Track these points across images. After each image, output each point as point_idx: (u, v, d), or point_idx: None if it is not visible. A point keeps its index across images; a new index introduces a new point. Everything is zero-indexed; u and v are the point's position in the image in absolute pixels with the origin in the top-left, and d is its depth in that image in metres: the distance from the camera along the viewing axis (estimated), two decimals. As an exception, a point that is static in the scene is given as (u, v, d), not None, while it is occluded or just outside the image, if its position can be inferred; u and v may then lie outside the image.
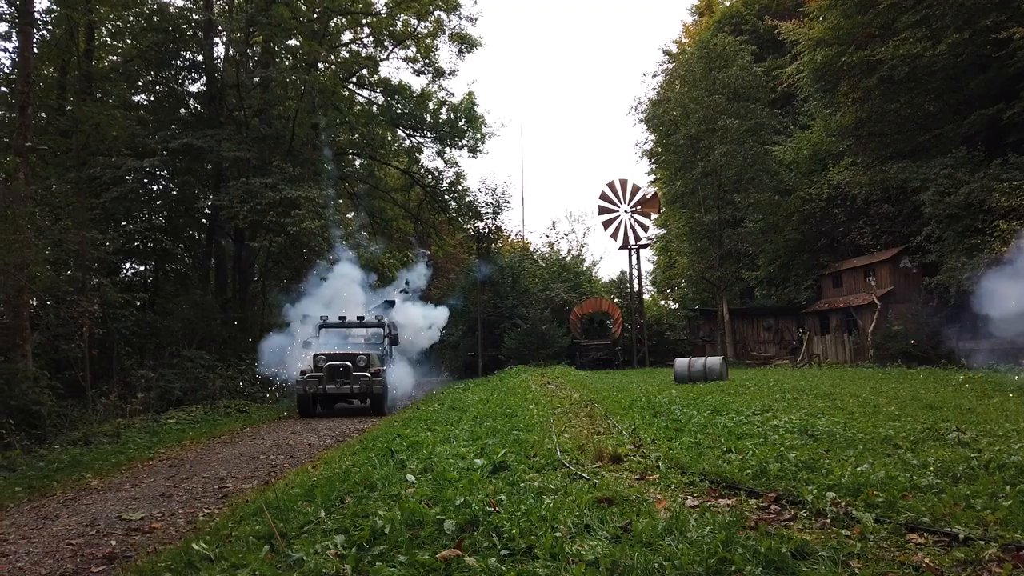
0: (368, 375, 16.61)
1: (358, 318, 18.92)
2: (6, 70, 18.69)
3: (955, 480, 5.44)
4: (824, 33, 29.43)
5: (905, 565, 3.67)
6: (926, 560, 3.74)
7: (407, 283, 25.91)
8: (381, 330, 19.14)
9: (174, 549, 4.94)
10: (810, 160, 35.57)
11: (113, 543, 5.72)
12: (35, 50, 15.37)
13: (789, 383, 16.76)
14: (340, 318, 18.95)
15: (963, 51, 24.75)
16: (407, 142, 37.58)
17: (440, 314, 25.70)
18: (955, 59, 25.16)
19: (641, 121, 43.59)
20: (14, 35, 17.13)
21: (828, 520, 4.50)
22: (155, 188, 25.13)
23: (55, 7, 20.08)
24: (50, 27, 20.91)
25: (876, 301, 29.23)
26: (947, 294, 24.64)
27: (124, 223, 22.34)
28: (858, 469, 5.70)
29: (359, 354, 16.94)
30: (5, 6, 16.39)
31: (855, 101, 29.51)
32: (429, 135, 36.69)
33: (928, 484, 5.27)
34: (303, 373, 16.73)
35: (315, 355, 16.86)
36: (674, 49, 51.46)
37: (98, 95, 17.58)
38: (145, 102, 26.36)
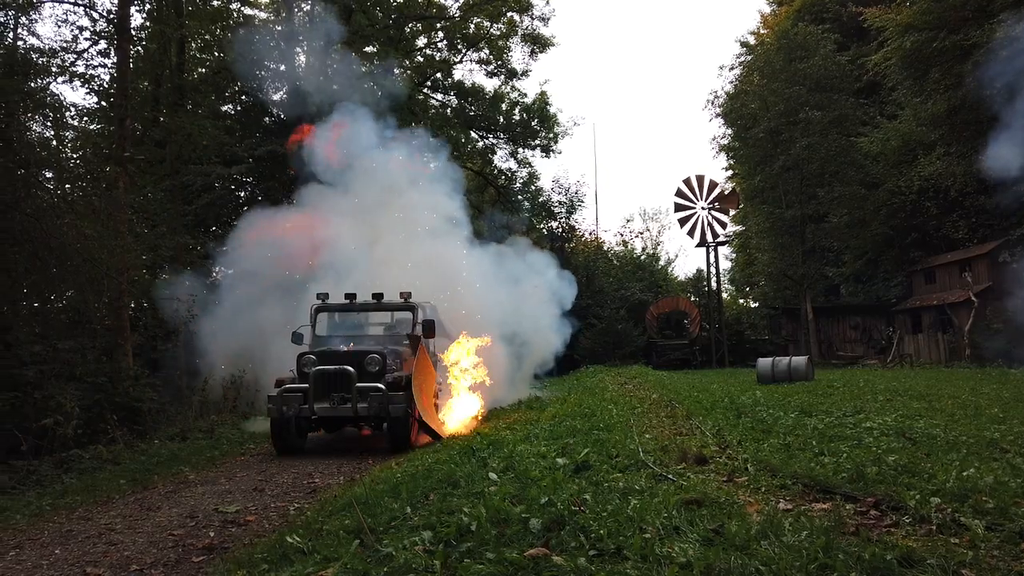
0: (382, 387, 10.33)
1: (375, 296, 11.97)
2: (105, 84, 19.78)
3: (1072, 487, 5.07)
4: (913, 18, 28.13)
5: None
6: (1046, 571, 3.50)
7: None
8: (411, 315, 12.26)
9: (269, 541, 5.11)
10: (899, 151, 33.95)
11: (211, 534, 5.96)
12: (131, 65, 16.15)
13: (880, 384, 16.09)
14: (348, 296, 12.05)
15: (1067, 31, 23.23)
16: (480, 143, 37.93)
17: None
18: (1059, 40, 23.63)
19: (718, 115, 42.75)
20: (112, 51, 18.13)
21: (934, 527, 4.27)
22: (242, 194, 26.15)
23: (149, 24, 21.15)
24: (144, 43, 22.02)
25: (973, 298, 27.74)
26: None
27: (213, 228, 23.32)
28: (964, 473, 5.40)
29: (370, 352, 10.84)
30: (104, 24, 17.33)
31: (948, 88, 28.03)
32: (502, 136, 36.98)
33: (1043, 491, 4.95)
34: (279, 384, 10.64)
35: (300, 355, 11.00)
36: (752, 41, 50.12)
37: (189, 106, 18.47)
38: (232, 112, 27.44)
